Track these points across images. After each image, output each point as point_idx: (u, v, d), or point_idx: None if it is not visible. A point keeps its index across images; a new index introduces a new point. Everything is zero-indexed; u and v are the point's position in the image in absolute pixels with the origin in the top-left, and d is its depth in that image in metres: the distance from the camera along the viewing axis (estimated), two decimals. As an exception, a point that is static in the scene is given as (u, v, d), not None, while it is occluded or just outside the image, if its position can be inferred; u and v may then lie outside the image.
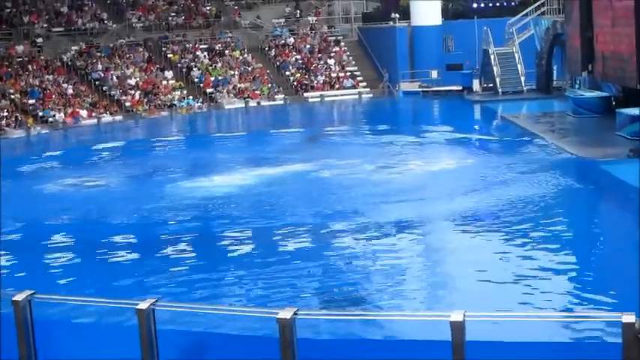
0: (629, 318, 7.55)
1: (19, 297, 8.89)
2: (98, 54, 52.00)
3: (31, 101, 46.16)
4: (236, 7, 60.03)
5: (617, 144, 27.74)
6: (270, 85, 52.14)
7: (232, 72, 53.04)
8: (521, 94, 45.10)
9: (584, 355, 8.19)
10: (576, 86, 39.37)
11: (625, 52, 31.46)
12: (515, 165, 26.70)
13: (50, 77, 48.66)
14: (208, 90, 51.23)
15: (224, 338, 9.38)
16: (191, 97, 50.06)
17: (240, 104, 50.04)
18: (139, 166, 31.54)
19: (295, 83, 53.17)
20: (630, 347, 7.50)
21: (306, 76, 53.65)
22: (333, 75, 53.79)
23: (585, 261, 17.35)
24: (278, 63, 55.02)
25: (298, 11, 60.27)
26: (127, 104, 48.38)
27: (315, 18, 59.59)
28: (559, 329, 11.06)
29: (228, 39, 56.30)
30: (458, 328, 7.62)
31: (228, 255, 18.55)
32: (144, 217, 22.64)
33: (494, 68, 46.02)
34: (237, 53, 54.91)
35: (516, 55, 46.24)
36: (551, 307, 14.02)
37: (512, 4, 54.14)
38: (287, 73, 54.15)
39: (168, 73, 51.80)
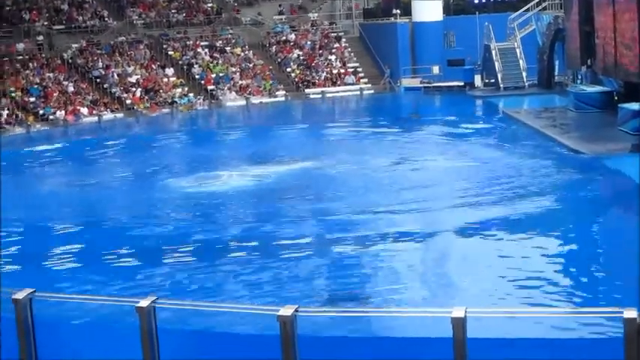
0: (630, 313, 7.50)
1: (20, 295, 8.84)
2: (99, 51, 51.95)
3: (31, 99, 46.14)
4: (236, 4, 59.95)
5: (619, 139, 27.66)
6: (271, 82, 52.07)
7: (233, 69, 52.96)
8: (523, 89, 45.04)
9: (586, 350, 8.15)
10: (578, 81, 39.30)
11: (627, 47, 31.38)
12: (517, 161, 26.67)
13: (51, 75, 48.63)
14: (209, 87, 51.17)
15: (225, 336, 9.36)
16: (192, 95, 50.00)
17: (242, 101, 49.97)
18: (143, 163, 31.52)
19: (296, 80, 53.11)
20: (632, 343, 7.46)
21: (308, 73, 53.58)
22: (335, 71, 53.71)
23: (587, 257, 17.32)
24: (279, 59, 54.94)
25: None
26: (128, 102, 48.33)
27: (316, 14, 59.47)
28: (560, 325, 11.02)
29: (229, 36, 56.22)
30: (459, 324, 7.58)
31: (232, 252, 18.55)
32: (146, 215, 22.64)
33: (496, 64, 45.95)
34: (238, 50, 54.82)
35: (518, 51, 46.19)
36: (554, 303, 13.99)
37: (513, -1, 54.03)
38: (288, 69, 54.09)
39: (169, 71, 51.75)
